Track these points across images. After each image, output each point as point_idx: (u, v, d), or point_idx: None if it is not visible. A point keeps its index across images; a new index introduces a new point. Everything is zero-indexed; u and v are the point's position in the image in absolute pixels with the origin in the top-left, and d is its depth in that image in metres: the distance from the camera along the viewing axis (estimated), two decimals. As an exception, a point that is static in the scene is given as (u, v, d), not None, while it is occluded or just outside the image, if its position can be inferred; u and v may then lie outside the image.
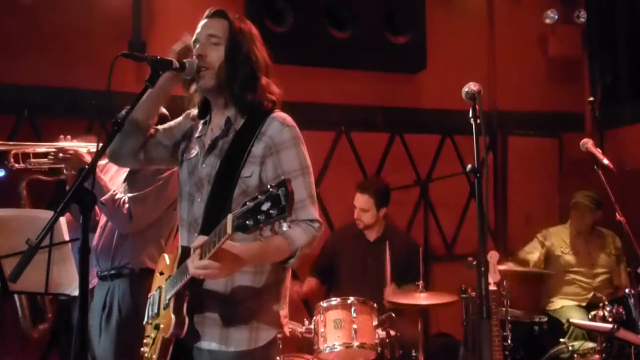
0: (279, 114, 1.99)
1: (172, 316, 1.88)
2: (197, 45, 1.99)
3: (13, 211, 2.64)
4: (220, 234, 1.65)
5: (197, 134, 2.08)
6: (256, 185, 1.93)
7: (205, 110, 2.08)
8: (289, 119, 1.99)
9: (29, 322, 3.29)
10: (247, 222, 1.54)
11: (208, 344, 1.94)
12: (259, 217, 1.53)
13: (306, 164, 1.96)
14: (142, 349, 2.05)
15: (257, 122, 1.95)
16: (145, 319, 2.10)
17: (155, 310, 2.02)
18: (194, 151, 2.06)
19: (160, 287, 2.04)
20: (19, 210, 2.71)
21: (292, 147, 1.95)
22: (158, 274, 2.12)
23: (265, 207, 1.52)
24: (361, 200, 3.93)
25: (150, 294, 2.13)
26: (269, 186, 1.55)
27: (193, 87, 2.06)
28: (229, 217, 1.60)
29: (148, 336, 2.04)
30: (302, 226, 1.90)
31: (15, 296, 3.23)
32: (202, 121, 2.09)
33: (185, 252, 1.94)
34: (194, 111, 2.16)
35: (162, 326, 1.95)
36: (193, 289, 1.92)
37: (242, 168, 1.92)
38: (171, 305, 1.90)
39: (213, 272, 1.75)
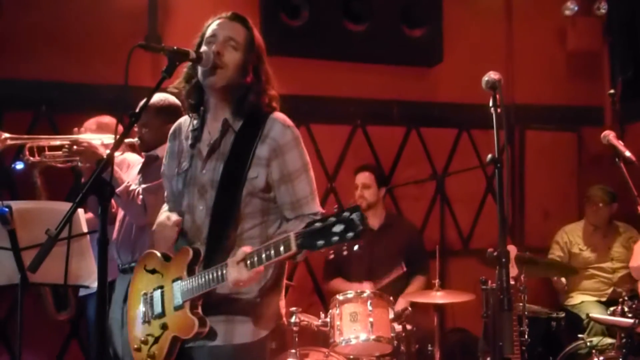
0: (278, 115, 2.04)
1: (194, 318, 1.90)
2: (215, 43, 1.98)
3: (33, 203, 2.67)
4: (277, 249, 1.72)
5: (190, 142, 2.07)
6: (263, 186, 1.97)
7: (197, 106, 2.07)
8: (288, 119, 2.05)
9: (52, 307, 3.34)
10: (318, 242, 1.61)
11: (212, 341, 1.95)
12: (332, 238, 1.59)
13: (307, 161, 2.03)
14: (135, 345, 2.04)
15: (257, 124, 1.99)
16: (141, 317, 2.07)
17: (159, 310, 2.01)
18: (186, 163, 2.06)
19: (161, 287, 2.02)
20: (38, 202, 2.75)
21: (295, 147, 2.01)
22: (144, 270, 2.09)
23: (337, 228, 1.59)
24: (362, 177, 4.00)
25: (143, 291, 2.08)
26: (336, 209, 1.60)
27: (187, 85, 2.05)
28: (292, 234, 1.67)
29: (149, 335, 2.02)
30: (307, 222, 1.90)
31: None
32: (191, 129, 2.08)
33: (197, 255, 1.95)
34: (179, 122, 2.17)
35: (172, 326, 1.96)
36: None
37: (248, 170, 1.95)
38: (187, 307, 1.92)
39: (252, 282, 1.85)
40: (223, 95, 2.02)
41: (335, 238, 1.58)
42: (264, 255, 1.76)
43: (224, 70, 1.96)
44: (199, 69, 1.99)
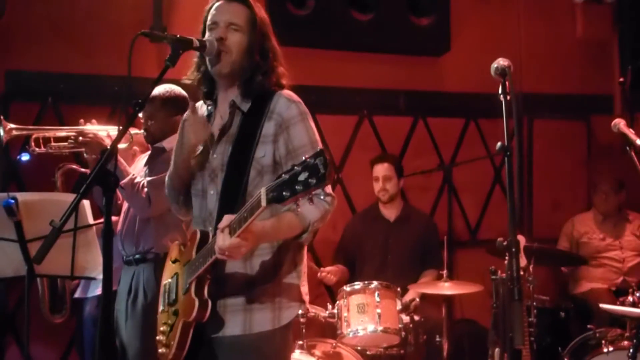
0: (284, 91, 2.00)
1: (195, 299, 1.87)
2: (216, 29, 1.97)
3: (39, 195, 2.66)
4: (252, 209, 1.65)
5: None
6: (270, 164, 1.94)
7: (210, 93, 2.07)
8: (294, 95, 2.00)
9: (47, 308, 3.34)
10: (284, 193, 1.54)
11: (231, 331, 1.94)
12: (296, 187, 1.53)
13: (315, 139, 1.97)
14: (157, 337, 2.05)
15: (265, 102, 1.96)
16: (161, 307, 2.09)
17: (173, 297, 2.01)
18: (200, 147, 2.05)
19: (176, 274, 2.04)
20: (44, 194, 2.74)
21: (300, 122, 1.96)
22: (170, 262, 2.12)
23: (302, 177, 1.53)
24: (382, 169, 3.94)
25: (164, 282, 2.11)
26: (304, 157, 1.55)
27: (197, 74, 2.05)
28: (263, 190, 1.60)
29: (165, 323, 2.03)
30: (314, 201, 1.88)
31: (38, 282, 3.29)
32: (205, 114, 2.07)
33: (205, 237, 1.94)
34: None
35: (181, 311, 1.95)
36: (214, 275, 1.92)
37: (255, 150, 1.93)
38: (192, 289, 1.90)
39: (240, 251, 1.76)
40: (231, 80, 2.00)
41: (299, 187, 1.53)
42: (241, 218, 1.71)
43: (228, 55, 1.95)
44: (206, 58, 1.97)
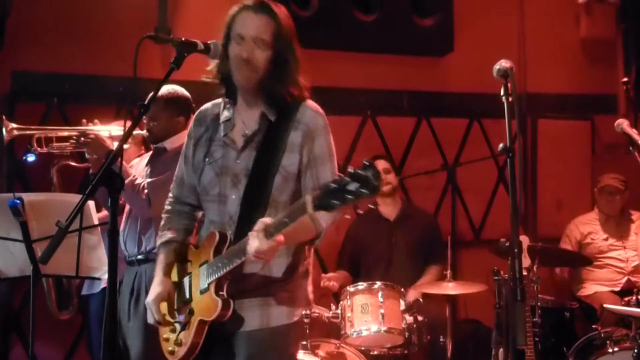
0: (310, 102, 2.06)
1: (218, 299, 1.91)
2: (243, 44, 1.96)
3: (44, 195, 2.68)
4: (295, 215, 1.71)
5: (222, 133, 2.07)
6: (296, 172, 1.99)
7: (230, 91, 2.08)
8: (319, 108, 2.08)
9: (54, 305, 3.35)
10: (333, 201, 1.58)
11: (249, 326, 1.98)
12: (347, 195, 1.56)
13: (333, 151, 2.07)
14: (164, 335, 2.08)
15: (291, 112, 2.02)
16: (172, 306, 2.10)
17: (187, 296, 2.04)
18: (219, 152, 2.06)
19: (189, 274, 2.06)
20: (50, 194, 2.75)
21: (325, 134, 2.04)
22: (178, 262, 2.13)
23: (352, 187, 1.56)
24: (380, 164, 3.96)
25: (175, 281, 2.11)
26: (351, 169, 1.57)
27: (218, 75, 2.06)
28: (308, 197, 1.65)
29: (178, 322, 2.05)
30: None
31: (43, 280, 3.30)
32: (223, 119, 2.07)
33: (223, 239, 1.97)
34: (205, 109, 2.16)
35: (198, 310, 1.98)
36: (233, 274, 1.95)
37: (282, 157, 1.98)
38: (212, 289, 1.93)
39: (274, 254, 1.83)
40: (255, 90, 2.02)
41: (350, 196, 1.56)
42: (281, 222, 1.77)
43: (255, 73, 1.96)
44: (231, 66, 1.99)
